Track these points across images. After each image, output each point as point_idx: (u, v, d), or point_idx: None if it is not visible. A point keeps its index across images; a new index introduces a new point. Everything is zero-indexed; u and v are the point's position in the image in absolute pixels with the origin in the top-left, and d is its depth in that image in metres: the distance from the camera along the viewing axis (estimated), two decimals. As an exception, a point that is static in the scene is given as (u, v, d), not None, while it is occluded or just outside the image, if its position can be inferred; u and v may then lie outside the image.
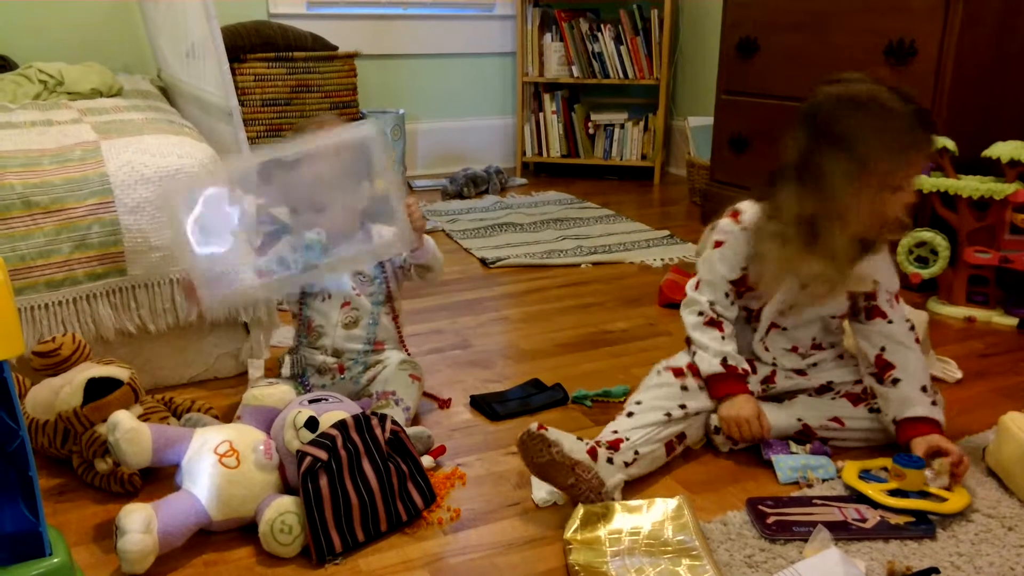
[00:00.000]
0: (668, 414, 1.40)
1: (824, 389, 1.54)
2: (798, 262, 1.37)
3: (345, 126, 1.49)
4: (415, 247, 1.56)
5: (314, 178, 1.48)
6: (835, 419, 1.47)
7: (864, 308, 1.47)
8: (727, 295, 1.48)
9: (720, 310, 1.47)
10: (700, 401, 1.45)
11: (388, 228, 1.53)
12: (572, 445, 1.28)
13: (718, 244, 1.47)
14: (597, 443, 1.32)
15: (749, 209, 1.46)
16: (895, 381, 1.42)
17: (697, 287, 1.50)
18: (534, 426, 1.28)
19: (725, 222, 1.47)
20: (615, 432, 1.37)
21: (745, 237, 1.44)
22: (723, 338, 1.45)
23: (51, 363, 1.45)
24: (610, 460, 1.31)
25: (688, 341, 1.52)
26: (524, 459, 1.30)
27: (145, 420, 1.36)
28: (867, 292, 1.45)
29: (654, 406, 1.42)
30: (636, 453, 1.34)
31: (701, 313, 1.47)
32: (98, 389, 1.39)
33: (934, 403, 1.42)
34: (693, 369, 1.47)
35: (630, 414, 1.41)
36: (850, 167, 1.29)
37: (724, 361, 1.44)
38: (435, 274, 1.64)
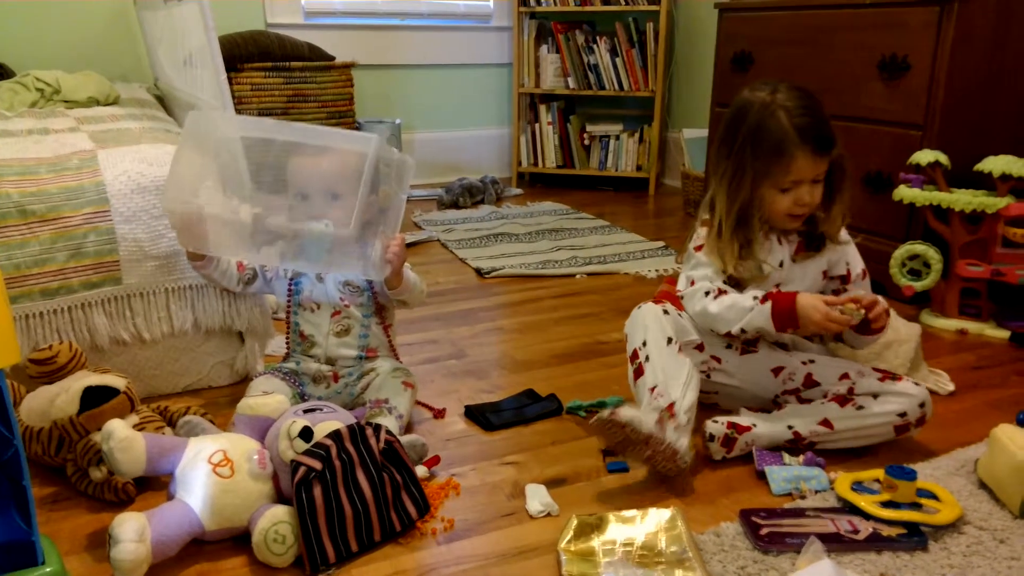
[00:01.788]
0: (669, 339, 1.46)
1: (810, 384, 1.55)
2: (729, 255, 1.51)
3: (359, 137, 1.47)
4: (391, 284, 1.55)
5: (335, 166, 1.48)
6: (824, 422, 1.48)
7: (838, 291, 1.58)
8: (724, 283, 1.52)
9: (720, 286, 1.51)
10: (684, 332, 1.51)
11: (377, 249, 1.48)
12: (643, 420, 1.34)
13: (699, 248, 1.56)
14: (661, 414, 1.37)
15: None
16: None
17: (692, 284, 1.54)
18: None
19: (700, 231, 1.59)
20: (655, 389, 1.41)
21: None
22: (736, 294, 1.49)
23: (47, 371, 1.45)
24: (676, 428, 1.37)
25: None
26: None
27: (140, 430, 1.36)
28: (841, 275, 1.59)
29: (658, 327, 1.47)
30: (687, 411, 1.40)
31: (707, 292, 1.51)
32: (94, 398, 1.39)
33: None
34: (669, 298, 1.59)
35: (647, 357, 1.45)
36: (737, 169, 1.49)
37: (755, 297, 1.46)
38: (411, 306, 1.66)
